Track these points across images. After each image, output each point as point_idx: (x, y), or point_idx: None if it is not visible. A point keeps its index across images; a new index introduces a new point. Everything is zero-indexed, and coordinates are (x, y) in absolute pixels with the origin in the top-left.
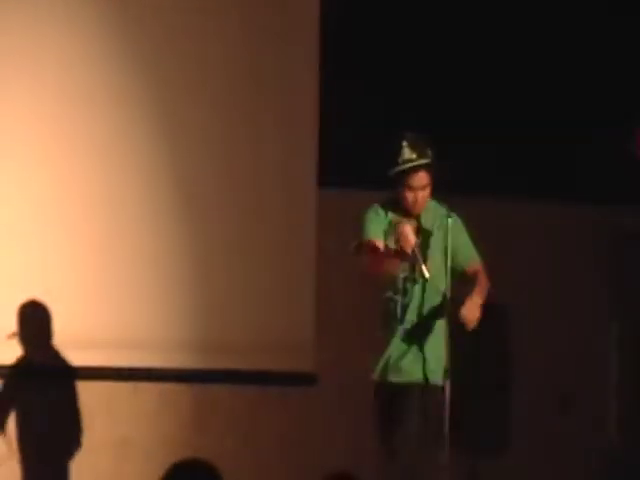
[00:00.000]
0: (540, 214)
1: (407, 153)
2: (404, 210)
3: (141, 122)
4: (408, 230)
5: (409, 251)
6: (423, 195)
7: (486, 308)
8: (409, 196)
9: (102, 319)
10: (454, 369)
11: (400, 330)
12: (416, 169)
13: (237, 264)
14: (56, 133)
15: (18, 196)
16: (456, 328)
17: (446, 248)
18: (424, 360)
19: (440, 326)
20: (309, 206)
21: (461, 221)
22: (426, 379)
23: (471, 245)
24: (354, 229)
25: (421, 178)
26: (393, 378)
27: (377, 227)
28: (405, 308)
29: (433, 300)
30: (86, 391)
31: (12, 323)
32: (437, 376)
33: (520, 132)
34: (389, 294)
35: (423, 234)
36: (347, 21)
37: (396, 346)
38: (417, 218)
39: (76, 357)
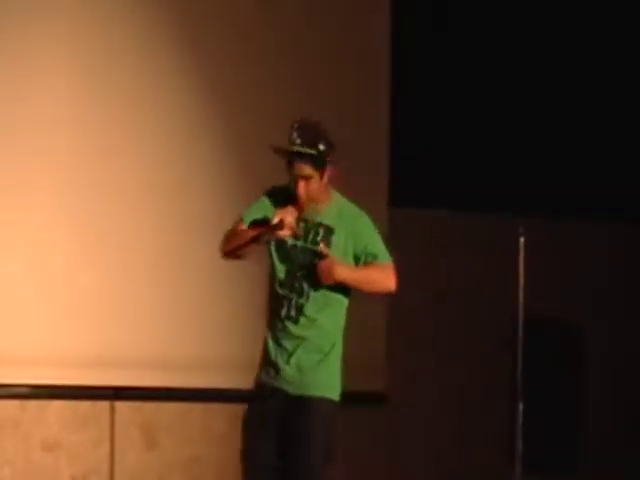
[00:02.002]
0: (618, 234)
1: (293, 136)
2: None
3: (200, 138)
4: (281, 214)
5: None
6: (305, 185)
7: (560, 325)
8: (291, 182)
9: (174, 339)
10: (527, 387)
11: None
12: (295, 156)
13: None
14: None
15: (50, 203)
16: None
17: (347, 248)
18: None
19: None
20: (380, 225)
21: (370, 221)
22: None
23: (378, 245)
24: (425, 247)
25: (301, 167)
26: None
27: (254, 214)
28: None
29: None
30: (158, 411)
31: (71, 342)
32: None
33: (596, 157)
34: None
35: (325, 231)
36: (419, 37)
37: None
38: (316, 212)
39: (148, 377)
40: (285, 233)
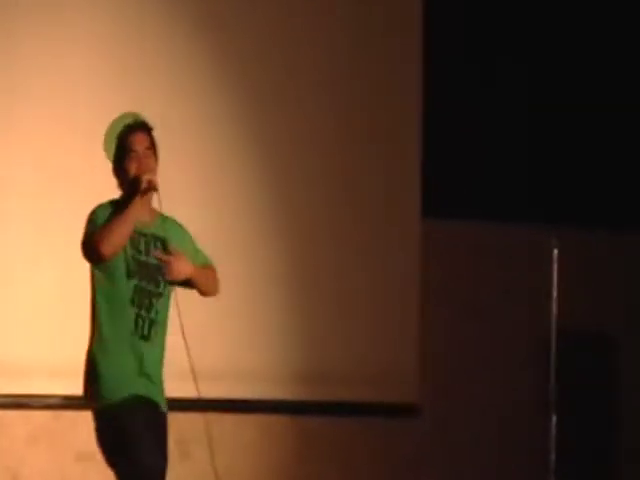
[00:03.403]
0: None
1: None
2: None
3: (240, 152)
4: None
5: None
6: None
7: (593, 338)
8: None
9: (204, 350)
10: (564, 401)
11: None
12: None
13: (339, 294)
14: None
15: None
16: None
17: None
18: None
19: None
20: (413, 236)
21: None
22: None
23: (202, 251)
24: (457, 258)
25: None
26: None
27: (104, 211)
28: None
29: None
30: (187, 422)
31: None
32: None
33: (630, 168)
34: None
35: (160, 242)
36: (450, 49)
37: None
38: (145, 225)
39: (177, 388)
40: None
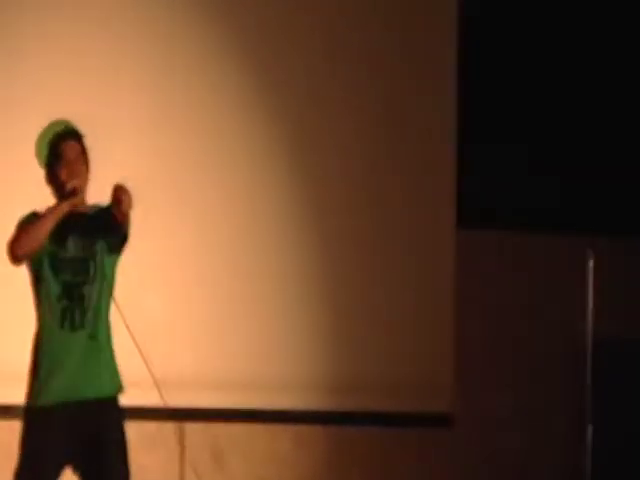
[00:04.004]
0: None
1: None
2: None
3: (267, 168)
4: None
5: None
6: None
7: (628, 347)
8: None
9: (236, 360)
10: (600, 411)
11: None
12: None
13: (373, 304)
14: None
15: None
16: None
17: None
18: None
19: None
20: (447, 247)
21: None
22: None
23: None
24: (491, 268)
25: None
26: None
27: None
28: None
29: None
30: (223, 432)
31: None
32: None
33: None
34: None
35: None
36: (485, 67)
37: None
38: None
39: (212, 398)
40: (80, 200)
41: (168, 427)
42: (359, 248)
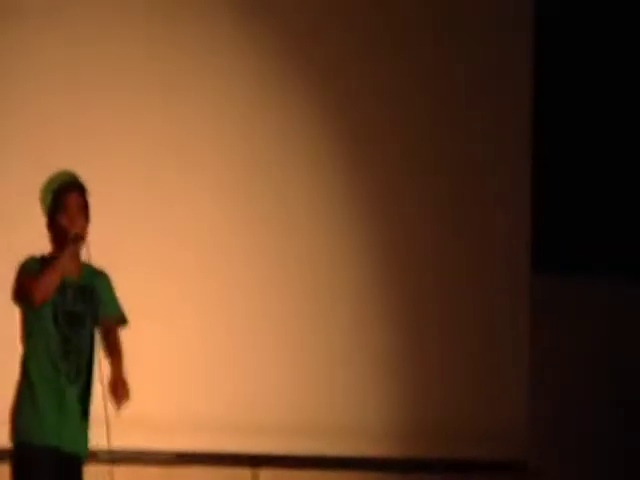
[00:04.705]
0: None
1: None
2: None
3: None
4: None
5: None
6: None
7: None
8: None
9: (311, 405)
10: None
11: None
12: None
13: (447, 350)
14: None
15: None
16: None
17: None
18: None
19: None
20: (522, 291)
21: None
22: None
23: (114, 299)
24: (570, 317)
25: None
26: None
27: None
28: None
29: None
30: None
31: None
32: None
33: None
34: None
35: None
36: (560, 102)
37: None
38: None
39: (287, 444)
40: (81, 245)
41: (242, 473)
42: (432, 293)
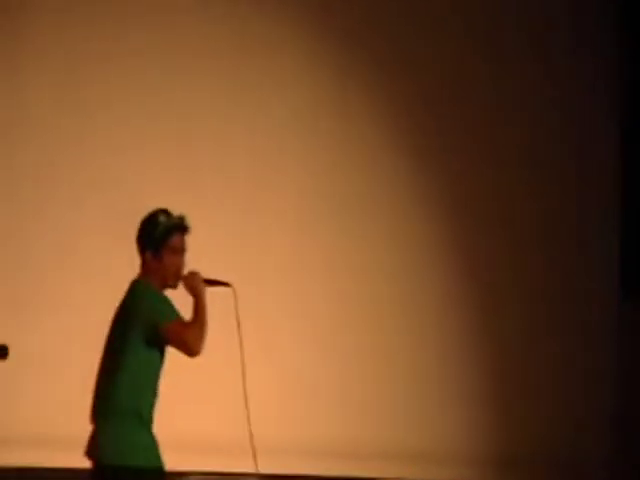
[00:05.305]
0: None
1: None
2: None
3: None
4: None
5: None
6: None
7: None
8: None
9: (384, 431)
10: None
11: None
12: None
13: (533, 377)
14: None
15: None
16: None
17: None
18: None
19: None
20: (610, 321)
21: None
22: None
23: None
24: None
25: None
26: None
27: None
28: None
29: None
30: None
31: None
32: None
33: None
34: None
35: None
36: None
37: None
38: None
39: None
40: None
41: None
42: (517, 312)
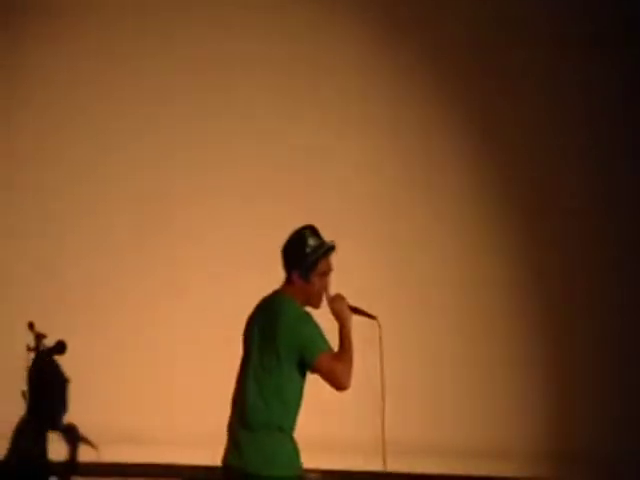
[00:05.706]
0: None
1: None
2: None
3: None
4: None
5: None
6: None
7: None
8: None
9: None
10: None
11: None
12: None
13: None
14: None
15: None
16: None
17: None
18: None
19: None
20: None
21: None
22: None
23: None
24: None
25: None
26: None
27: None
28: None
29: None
30: None
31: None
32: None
33: None
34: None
35: None
36: None
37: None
38: None
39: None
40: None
41: None
42: (591, 328)
